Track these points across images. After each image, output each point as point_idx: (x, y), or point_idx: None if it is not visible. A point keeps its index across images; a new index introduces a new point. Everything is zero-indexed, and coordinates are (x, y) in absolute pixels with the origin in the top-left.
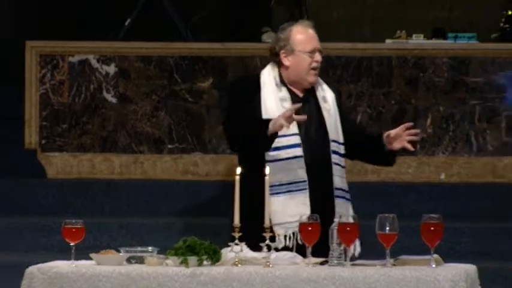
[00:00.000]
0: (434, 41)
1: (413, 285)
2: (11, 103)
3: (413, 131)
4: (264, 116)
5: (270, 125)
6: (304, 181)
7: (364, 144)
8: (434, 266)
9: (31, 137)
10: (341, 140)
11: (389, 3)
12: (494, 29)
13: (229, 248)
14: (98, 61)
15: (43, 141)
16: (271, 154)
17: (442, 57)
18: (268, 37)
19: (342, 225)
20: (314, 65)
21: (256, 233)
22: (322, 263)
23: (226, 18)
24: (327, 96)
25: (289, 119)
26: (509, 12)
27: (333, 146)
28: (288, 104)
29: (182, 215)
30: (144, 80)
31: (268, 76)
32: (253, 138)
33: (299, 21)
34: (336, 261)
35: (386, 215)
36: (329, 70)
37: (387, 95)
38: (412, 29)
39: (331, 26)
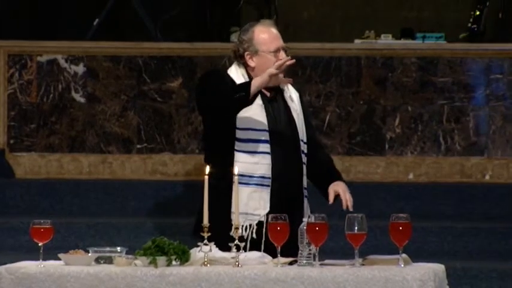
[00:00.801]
0: (402, 41)
1: (382, 284)
2: None
3: (349, 205)
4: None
5: (254, 82)
6: (269, 178)
7: (312, 167)
8: (402, 265)
9: None
10: (305, 138)
11: (358, 3)
12: (462, 29)
13: (198, 248)
14: (66, 61)
15: (11, 141)
16: (238, 144)
17: (411, 57)
18: (237, 37)
19: (311, 225)
20: (283, 59)
21: (225, 233)
22: (291, 263)
23: (195, 18)
24: (293, 96)
25: (279, 67)
26: (477, 13)
27: (302, 146)
28: (259, 98)
29: (151, 215)
30: (112, 79)
31: (236, 73)
32: (231, 96)
33: (260, 21)
34: (304, 261)
35: (355, 214)
36: (298, 70)
37: (356, 95)
38: (382, 29)
39: (300, 25)
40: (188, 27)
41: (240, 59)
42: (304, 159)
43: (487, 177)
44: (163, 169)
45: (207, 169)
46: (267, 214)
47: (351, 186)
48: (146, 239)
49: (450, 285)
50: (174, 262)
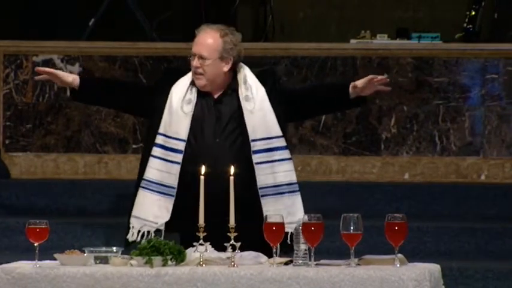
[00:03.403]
0: (398, 41)
1: (377, 284)
2: None
3: (380, 78)
4: (167, 112)
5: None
6: (173, 188)
7: (325, 97)
8: (398, 265)
9: None
10: (274, 133)
11: (354, 3)
12: (458, 29)
13: (194, 248)
14: (62, 61)
15: (7, 141)
16: (156, 150)
17: (406, 57)
18: None
19: (307, 225)
20: (192, 68)
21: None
22: (286, 263)
23: (191, 18)
24: (252, 94)
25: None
26: (473, 13)
27: (255, 146)
28: (189, 107)
29: None
30: None
31: (187, 76)
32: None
33: (210, 25)
34: (300, 261)
35: (351, 214)
36: (294, 70)
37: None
38: (377, 29)
39: (296, 25)
40: (184, 27)
41: None
42: (262, 157)
43: (483, 177)
44: None
45: (203, 169)
46: (166, 223)
47: (347, 185)
48: (142, 239)
49: (446, 285)
50: (169, 262)
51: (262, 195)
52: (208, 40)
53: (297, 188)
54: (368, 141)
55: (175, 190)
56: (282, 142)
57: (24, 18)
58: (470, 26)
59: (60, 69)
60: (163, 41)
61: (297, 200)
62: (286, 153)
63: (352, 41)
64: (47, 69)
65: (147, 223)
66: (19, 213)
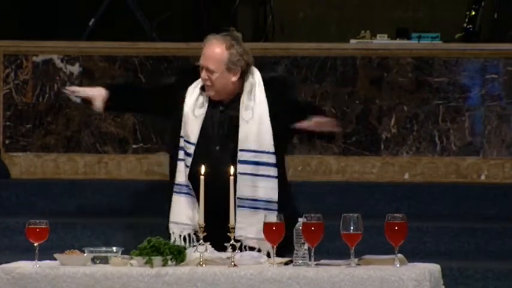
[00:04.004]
0: (398, 41)
1: (377, 284)
2: None
3: (325, 120)
4: (184, 117)
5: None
6: (189, 187)
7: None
8: (398, 265)
9: None
10: (265, 148)
11: (354, 3)
12: (458, 29)
13: (194, 248)
14: (62, 61)
15: (7, 141)
16: (180, 153)
17: (406, 57)
18: None
19: (307, 225)
20: (202, 80)
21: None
22: (286, 263)
23: (191, 18)
24: (253, 103)
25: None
26: (473, 13)
27: (242, 156)
28: (201, 111)
29: (147, 215)
30: (108, 79)
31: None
32: None
33: (217, 35)
34: (300, 261)
35: (351, 214)
36: (294, 70)
37: (351, 95)
38: (377, 29)
39: (296, 25)
40: (184, 27)
41: None
42: (247, 169)
43: (483, 177)
44: (159, 169)
45: (203, 169)
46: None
47: (347, 185)
48: (142, 239)
49: (446, 285)
50: (169, 262)
51: (239, 206)
52: (215, 53)
53: (275, 207)
54: (368, 141)
55: (193, 192)
56: (270, 158)
57: (24, 18)
58: (470, 26)
59: (60, 69)
60: (164, 41)
61: (272, 219)
62: (272, 171)
63: (352, 41)
64: (71, 89)
65: (185, 227)
66: (19, 213)
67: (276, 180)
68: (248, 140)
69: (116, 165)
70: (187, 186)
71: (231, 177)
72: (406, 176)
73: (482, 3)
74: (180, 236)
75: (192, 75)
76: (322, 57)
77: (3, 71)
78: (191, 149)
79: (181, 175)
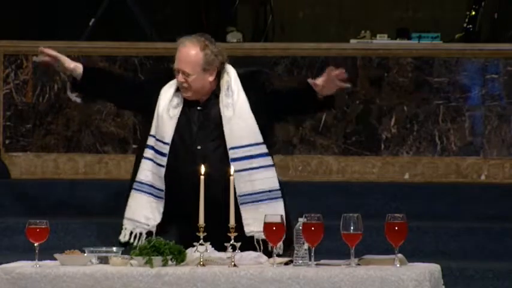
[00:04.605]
0: (398, 41)
1: (377, 284)
2: None
3: (338, 72)
4: (156, 114)
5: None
6: (162, 190)
7: (298, 102)
8: (398, 265)
9: None
10: (253, 140)
11: (354, 3)
12: (458, 29)
13: (194, 248)
14: None
15: (7, 141)
16: (147, 151)
17: (406, 57)
18: (232, 37)
19: (307, 225)
20: (178, 83)
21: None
22: (286, 263)
23: (191, 18)
24: (232, 100)
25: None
26: (473, 13)
27: (234, 154)
28: (176, 111)
29: None
30: None
31: (175, 80)
32: None
33: (189, 37)
34: (300, 261)
35: (351, 214)
36: (294, 70)
37: (352, 95)
38: (377, 29)
39: (296, 25)
40: (184, 27)
41: None
42: (242, 165)
43: (483, 177)
44: None
45: (203, 168)
46: (158, 225)
47: (347, 185)
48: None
49: (446, 285)
50: (170, 262)
51: (242, 203)
52: (190, 55)
53: (279, 195)
54: (368, 141)
55: (163, 193)
56: (262, 149)
57: (24, 18)
58: (471, 26)
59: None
60: (163, 41)
61: (278, 207)
62: (266, 160)
63: (352, 41)
64: (51, 51)
65: (138, 225)
66: (19, 213)
67: (273, 169)
68: (235, 136)
69: (116, 165)
70: (149, 185)
71: (231, 177)
72: (406, 176)
73: (483, 3)
74: (132, 233)
75: (165, 76)
76: (322, 57)
77: (3, 71)
78: (165, 149)
79: (145, 173)
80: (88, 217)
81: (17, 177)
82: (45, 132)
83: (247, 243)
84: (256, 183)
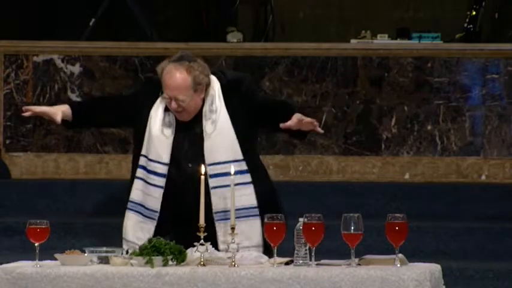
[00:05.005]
0: (398, 41)
1: (378, 284)
2: None
3: (308, 121)
4: (148, 133)
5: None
6: (156, 212)
7: (275, 121)
8: (399, 265)
9: None
10: (232, 157)
11: (354, 3)
12: (458, 29)
13: (194, 248)
14: (62, 61)
15: (7, 141)
16: (139, 171)
17: (407, 57)
18: (233, 37)
19: (307, 225)
20: (172, 109)
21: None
22: (287, 263)
23: (191, 18)
24: (214, 117)
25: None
26: (473, 13)
27: (212, 170)
28: (170, 131)
29: None
30: (109, 79)
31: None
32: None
33: (173, 62)
34: (301, 261)
35: (351, 214)
36: (294, 70)
37: (352, 95)
38: (378, 29)
39: (297, 25)
40: (184, 27)
41: None
42: (219, 181)
43: (483, 177)
44: None
45: (203, 169)
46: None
47: (347, 186)
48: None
49: (446, 285)
50: (170, 262)
51: (217, 220)
52: (179, 81)
53: (257, 212)
54: (368, 141)
55: (157, 214)
56: (241, 166)
57: (25, 18)
58: (471, 26)
59: (60, 69)
60: (164, 41)
61: (254, 224)
62: (245, 177)
63: (353, 41)
64: (36, 109)
65: (131, 245)
66: (19, 213)
67: (251, 186)
68: (214, 153)
69: (117, 165)
70: (140, 205)
71: (232, 177)
72: (407, 176)
73: (483, 3)
74: (128, 252)
75: (155, 87)
76: (322, 57)
77: (3, 71)
78: (162, 169)
79: (137, 193)
80: (89, 217)
81: (18, 177)
82: (46, 132)
83: None
84: (236, 199)
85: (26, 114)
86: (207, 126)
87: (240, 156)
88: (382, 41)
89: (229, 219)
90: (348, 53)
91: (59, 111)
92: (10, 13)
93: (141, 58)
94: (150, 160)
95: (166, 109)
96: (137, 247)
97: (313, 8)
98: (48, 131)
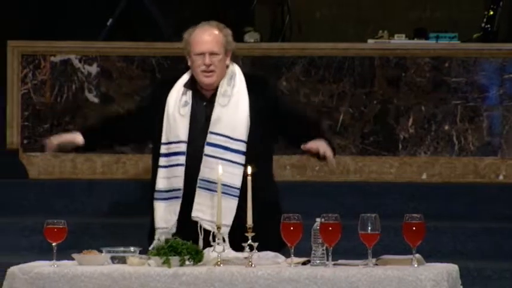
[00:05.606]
0: (416, 41)
1: (395, 284)
2: None
3: (327, 154)
4: (166, 120)
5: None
6: (179, 189)
7: (300, 135)
8: (416, 265)
9: (13, 137)
10: (236, 136)
11: (372, 3)
12: (475, 29)
13: (211, 248)
14: (80, 61)
15: (25, 142)
16: (161, 160)
17: (424, 57)
18: (250, 37)
19: (324, 225)
20: (203, 67)
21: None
22: (304, 263)
23: (208, 18)
24: (230, 91)
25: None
26: (491, 13)
27: (211, 138)
28: (186, 109)
29: None
30: (126, 80)
31: (180, 80)
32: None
33: (204, 22)
34: (318, 261)
35: (369, 214)
36: (311, 70)
37: (369, 95)
38: (395, 29)
39: (314, 25)
40: None
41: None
42: (213, 151)
43: (501, 177)
44: None
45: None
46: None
47: (365, 186)
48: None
49: (464, 286)
50: (187, 262)
51: (199, 187)
52: (214, 35)
53: (237, 194)
54: (386, 141)
55: (181, 191)
56: (241, 146)
57: (42, 18)
58: (488, 25)
59: (77, 69)
60: (181, 41)
61: (231, 204)
62: (240, 158)
63: (370, 41)
64: (53, 144)
65: (161, 231)
66: (37, 213)
67: (242, 168)
68: (220, 123)
69: (134, 165)
70: (166, 191)
71: (249, 177)
72: (424, 176)
73: (501, 3)
74: (159, 240)
75: (166, 87)
76: (339, 57)
77: (21, 71)
78: (182, 147)
79: (162, 182)
80: (106, 217)
81: (35, 177)
82: (63, 132)
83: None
84: (223, 174)
85: (50, 151)
86: (221, 98)
87: (244, 137)
88: (400, 41)
89: (211, 190)
90: (365, 53)
91: (76, 134)
92: (27, 13)
93: (158, 58)
94: (171, 143)
95: (184, 89)
96: (166, 230)
97: (330, 8)
98: (66, 131)
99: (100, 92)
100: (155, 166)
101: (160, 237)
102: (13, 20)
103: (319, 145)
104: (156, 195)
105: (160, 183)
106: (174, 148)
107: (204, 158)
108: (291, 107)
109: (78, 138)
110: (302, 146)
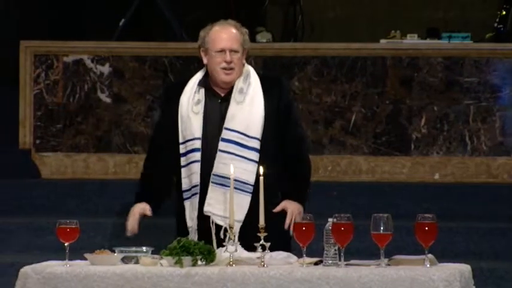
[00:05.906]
0: (428, 41)
1: (407, 285)
2: (5, 103)
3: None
4: (180, 120)
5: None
6: (196, 186)
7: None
8: (428, 266)
9: (25, 137)
10: (252, 133)
11: (384, 3)
12: (488, 29)
13: (223, 248)
14: (92, 61)
15: (37, 141)
16: (182, 159)
17: (437, 57)
18: (262, 37)
19: (337, 225)
20: (223, 65)
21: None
22: (316, 263)
23: (220, 18)
24: (246, 89)
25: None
26: (503, 12)
27: (226, 134)
28: (199, 107)
29: None
30: (138, 79)
31: (193, 79)
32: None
33: (222, 20)
34: (330, 261)
35: (381, 214)
36: (323, 70)
37: (381, 95)
38: (407, 28)
39: (326, 25)
40: None
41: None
42: (226, 147)
43: None
44: None
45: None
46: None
47: (377, 186)
48: (172, 239)
49: (476, 286)
50: (199, 262)
51: (212, 182)
52: (234, 33)
53: (250, 190)
54: (398, 141)
55: (198, 187)
56: (255, 144)
57: (55, 18)
58: (501, 25)
59: (90, 69)
60: (193, 41)
61: (245, 200)
62: (254, 155)
63: (382, 41)
64: (133, 225)
65: (191, 229)
66: (49, 213)
67: (255, 165)
68: (235, 120)
69: None
70: (188, 190)
71: (261, 178)
72: (437, 176)
73: None
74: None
75: (177, 90)
76: (352, 57)
77: (34, 71)
78: (197, 144)
79: (184, 181)
80: (118, 217)
81: (47, 177)
82: (76, 132)
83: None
84: (236, 170)
85: (133, 234)
86: (237, 95)
87: (259, 135)
88: (412, 41)
89: (224, 185)
90: (377, 53)
91: (144, 205)
92: (40, 13)
93: (170, 58)
94: (187, 141)
95: (199, 85)
96: (190, 223)
97: (342, 8)
98: (78, 131)
99: (112, 92)
100: (179, 167)
101: (193, 237)
102: (26, 20)
103: (289, 211)
104: (183, 195)
105: (184, 183)
106: (190, 146)
107: (218, 154)
108: (296, 143)
109: (147, 210)
110: (274, 210)
